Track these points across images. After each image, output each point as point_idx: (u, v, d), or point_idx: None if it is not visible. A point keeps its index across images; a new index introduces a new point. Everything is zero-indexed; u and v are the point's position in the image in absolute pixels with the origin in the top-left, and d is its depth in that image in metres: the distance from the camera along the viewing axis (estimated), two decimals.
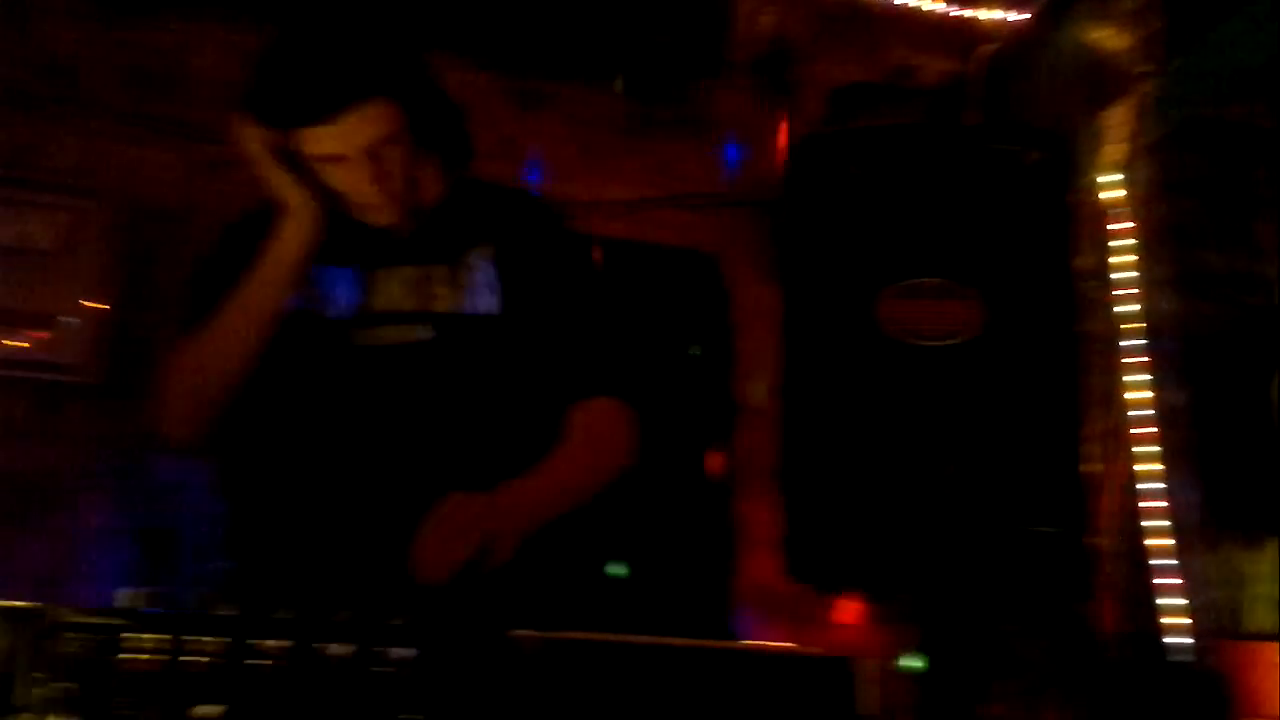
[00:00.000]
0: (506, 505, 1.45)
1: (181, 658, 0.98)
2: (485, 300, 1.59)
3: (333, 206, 1.56)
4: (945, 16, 3.32)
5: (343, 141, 1.50)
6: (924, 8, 3.20)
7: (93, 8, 3.21)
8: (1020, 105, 2.87)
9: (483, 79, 3.38)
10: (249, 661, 1.00)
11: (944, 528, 1.99)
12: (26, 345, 2.86)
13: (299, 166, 1.53)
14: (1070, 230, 2.40)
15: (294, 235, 1.54)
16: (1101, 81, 2.64)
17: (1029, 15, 2.95)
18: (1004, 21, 3.03)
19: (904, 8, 3.28)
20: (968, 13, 3.16)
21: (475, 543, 1.38)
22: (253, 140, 1.55)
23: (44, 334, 2.90)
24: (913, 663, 1.80)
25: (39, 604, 1.02)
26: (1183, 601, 2.50)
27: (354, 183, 1.53)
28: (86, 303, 2.94)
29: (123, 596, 1.03)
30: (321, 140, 1.50)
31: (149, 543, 2.81)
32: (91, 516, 2.85)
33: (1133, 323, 2.62)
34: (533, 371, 1.61)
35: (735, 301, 3.51)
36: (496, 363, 1.59)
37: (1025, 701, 2.58)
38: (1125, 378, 2.59)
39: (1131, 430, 2.58)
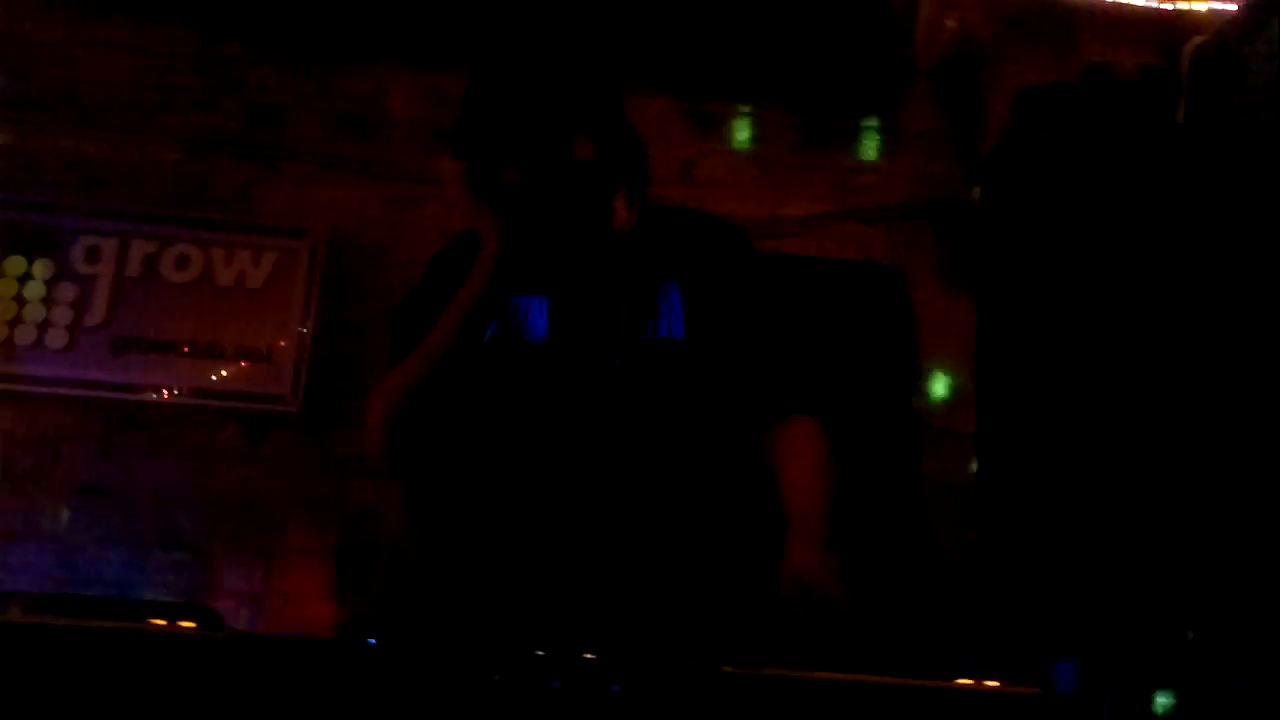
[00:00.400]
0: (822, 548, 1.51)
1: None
2: (672, 325, 1.61)
3: (527, 237, 1.60)
4: (1145, 9, 3.12)
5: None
6: (1122, 0, 3.02)
7: (297, 58, 3.42)
8: (1234, 100, 2.67)
9: (658, 104, 3.41)
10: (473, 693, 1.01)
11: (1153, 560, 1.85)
12: (234, 376, 3.08)
13: (497, 198, 1.58)
14: None
15: (491, 266, 1.58)
16: None
17: (1239, 4, 2.74)
18: (1211, 12, 2.83)
19: (1099, 2, 3.11)
20: (1169, 5, 2.96)
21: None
22: (454, 175, 1.60)
23: (253, 366, 3.11)
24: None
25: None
26: None
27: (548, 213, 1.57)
28: (290, 336, 3.13)
29: None
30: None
31: (350, 564, 2.95)
32: (297, 538, 3.02)
33: None
34: (722, 395, 1.61)
35: (919, 316, 3.39)
36: (685, 387, 1.60)
37: None
38: None
39: None
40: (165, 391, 3.06)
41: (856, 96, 3.60)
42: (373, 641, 1.07)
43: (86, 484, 3.03)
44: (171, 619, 1.07)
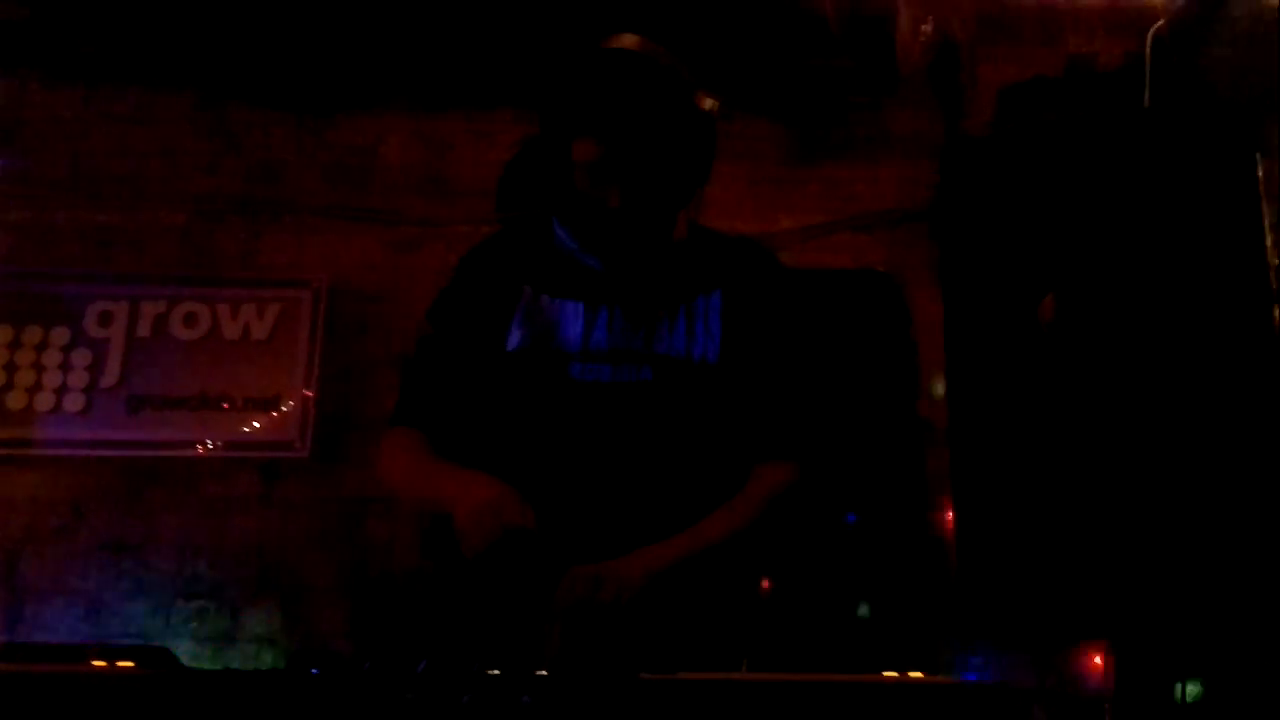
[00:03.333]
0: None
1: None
2: (708, 347, 1.58)
3: (590, 223, 1.57)
4: None
5: None
6: None
7: (293, 114, 3.53)
8: (1199, 81, 2.66)
9: None
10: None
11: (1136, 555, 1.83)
12: (245, 426, 3.18)
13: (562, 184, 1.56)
14: (1258, 208, 2.21)
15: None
16: None
17: None
18: None
19: None
20: None
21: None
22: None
23: (262, 415, 3.21)
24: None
25: None
26: None
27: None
28: (296, 383, 3.23)
29: None
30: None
31: (366, 599, 3.01)
32: (315, 577, 3.09)
33: None
34: (736, 424, 1.59)
35: (916, 319, 3.41)
36: (709, 411, 1.57)
37: None
38: None
39: None
40: (180, 446, 3.16)
41: (842, 106, 3.63)
42: (315, 671, 1.12)
43: (110, 540, 3.15)
44: (114, 661, 1.13)
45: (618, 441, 1.53)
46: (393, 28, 3.38)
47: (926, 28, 3.54)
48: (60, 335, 3.26)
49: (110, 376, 3.23)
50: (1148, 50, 2.67)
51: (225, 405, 3.20)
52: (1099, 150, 2.42)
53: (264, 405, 3.20)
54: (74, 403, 3.21)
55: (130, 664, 1.09)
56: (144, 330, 3.27)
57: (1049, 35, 3.57)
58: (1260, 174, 2.19)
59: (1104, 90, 3.35)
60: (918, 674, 1.17)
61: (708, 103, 1.60)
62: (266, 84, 3.51)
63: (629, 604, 1.40)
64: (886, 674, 1.17)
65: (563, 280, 1.60)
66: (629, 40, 1.58)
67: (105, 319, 3.29)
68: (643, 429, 1.54)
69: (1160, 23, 2.61)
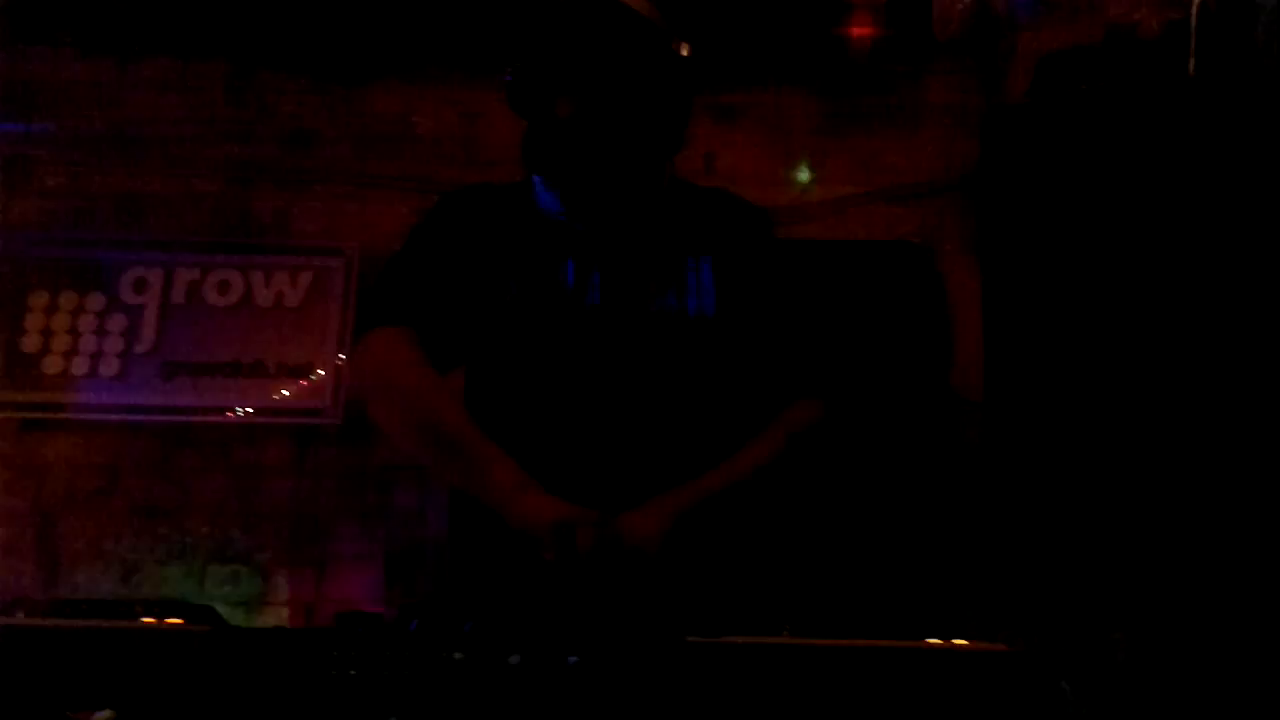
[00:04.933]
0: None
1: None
2: (704, 302, 1.58)
3: (577, 178, 1.55)
4: None
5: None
6: None
7: (325, 82, 3.53)
8: (1242, 51, 2.61)
9: None
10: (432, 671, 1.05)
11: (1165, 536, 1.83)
12: (277, 393, 3.21)
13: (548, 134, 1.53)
14: None
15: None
16: None
17: None
18: None
19: None
20: None
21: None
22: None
23: (295, 382, 3.24)
24: None
25: None
26: None
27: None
28: (329, 351, 3.26)
29: None
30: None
31: (397, 567, 3.04)
32: (346, 545, 3.12)
33: None
34: (742, 376, 1.60)
35: (951, 293, 3.38)
36: (709, 365, 1.58)
37: None
38: None
39: None
40: (214, 412, 3.19)
41: (879, 75, 3.59)
42: (361, 630, 1.12)
43: (145, 505, 3.19)
44: (163, 618, 1.13)
45: (621, 399, 1.52)
46: None
47: None
48: (95, 301, 3.30)
49: (145, 343, 3.26)
50: (1193, 18, 2.62)
51: (259, 372, 3.23)
52: (1140, 120, 2.36)
53: (296, 372, 3.23)
54: (109, 368, 3.25)
55: (179, 620, 1.09)
56: (178, 297, 3.30)
57: (1090, 3, 3.52)
58: None
59: (1145, 59, 3.30)
60: (962, 641, 1.15)
61: (684, 49, 1.55)
62: (299, 52, 3.51)
63: (655, 550, 1.41)
64: (930, 640, 1.15)
65: (550, 241, 1.57)
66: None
67: (140, 285, 3.32)
68: (646, 386, 1.53)
69: None
